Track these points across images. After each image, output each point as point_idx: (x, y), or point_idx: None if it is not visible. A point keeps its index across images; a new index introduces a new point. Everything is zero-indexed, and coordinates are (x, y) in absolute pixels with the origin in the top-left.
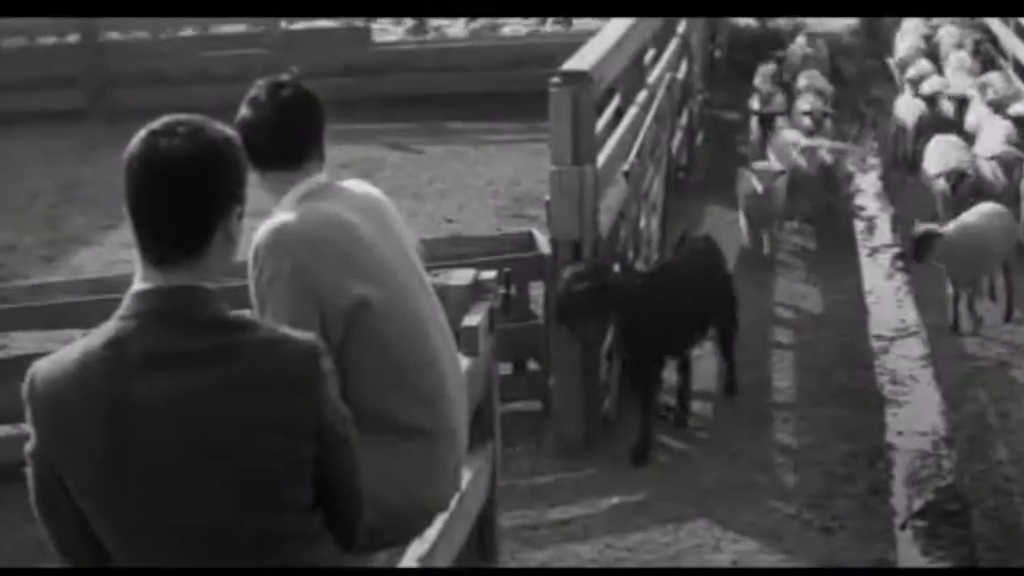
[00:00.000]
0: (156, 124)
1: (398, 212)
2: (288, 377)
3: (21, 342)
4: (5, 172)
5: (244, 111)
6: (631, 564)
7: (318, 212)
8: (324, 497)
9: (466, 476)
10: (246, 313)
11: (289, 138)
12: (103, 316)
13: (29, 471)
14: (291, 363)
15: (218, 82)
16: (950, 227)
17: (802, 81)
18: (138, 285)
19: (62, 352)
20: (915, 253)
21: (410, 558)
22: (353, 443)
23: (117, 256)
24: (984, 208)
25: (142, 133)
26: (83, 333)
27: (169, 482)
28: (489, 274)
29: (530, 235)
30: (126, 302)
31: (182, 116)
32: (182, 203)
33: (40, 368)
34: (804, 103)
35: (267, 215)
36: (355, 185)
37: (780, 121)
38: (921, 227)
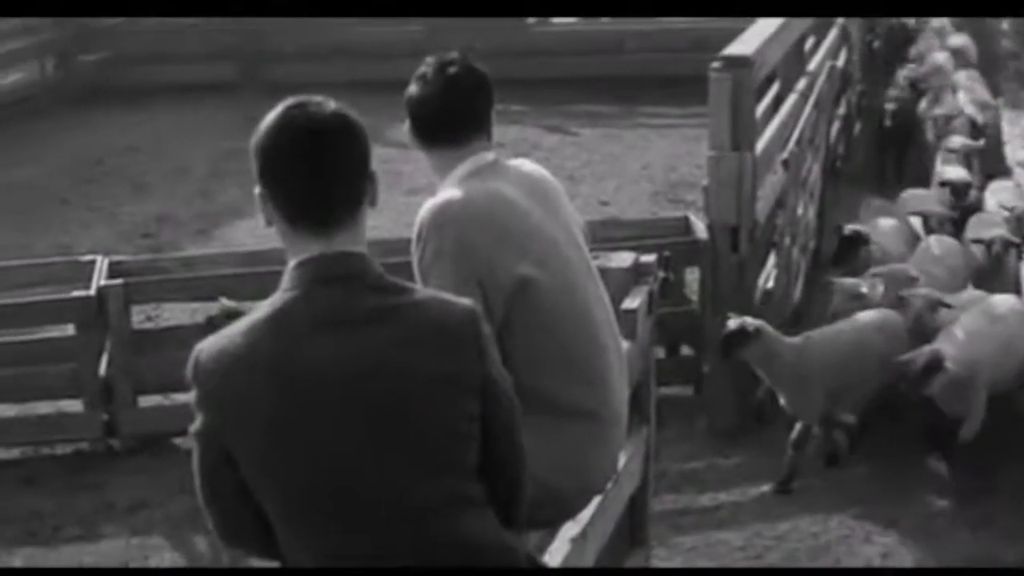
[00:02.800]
0: (290, 101)
1: (564, 193)
2: (452, 334)
3: (173, 313)
4: (160, 144)
5: (412, 87)
6: (778, 553)
7: (483, 190)
8: (488, 465)
9: (621, 459)
10: None
11: (454, 115)
12: (256, 288)
13: (194, 452)
14: (453, 321)
15: (370, 59)
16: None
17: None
18: (298, 256)
19: (227, 329)
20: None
21: (562, 539)
22: (517, 409)
23: (271, 230)
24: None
25: (283, 107)
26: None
27: (338, 445)
28: (648, 257)
29: (686, 220)
30: (287, 275)
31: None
32: (343, 165)
33: (204, 346)
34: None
35: (415, 193)
36: (522, 164)
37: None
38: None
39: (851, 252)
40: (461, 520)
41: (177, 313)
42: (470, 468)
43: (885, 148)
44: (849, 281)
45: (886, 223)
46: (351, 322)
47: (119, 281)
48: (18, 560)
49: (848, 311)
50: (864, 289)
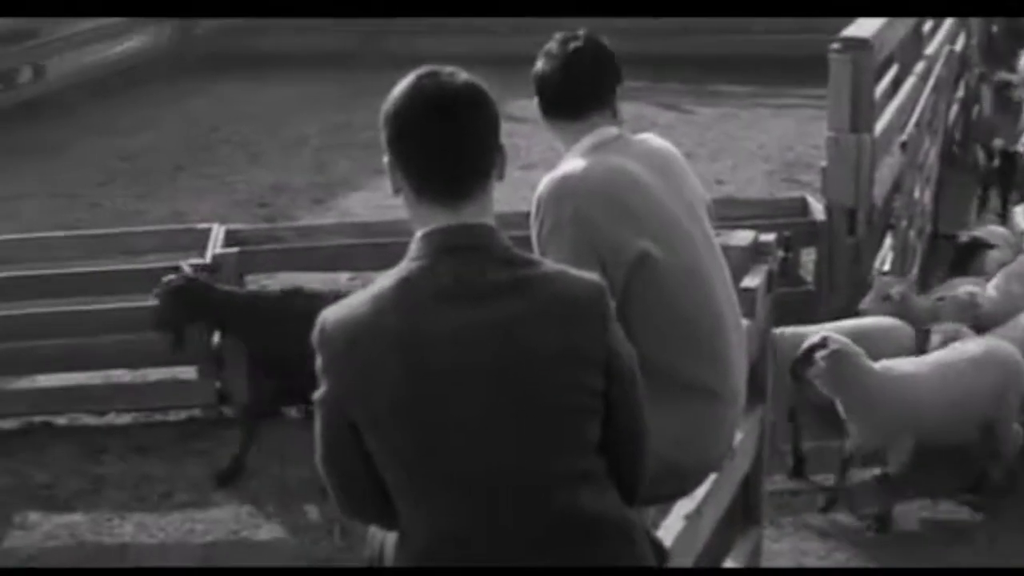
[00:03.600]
0: (422, 70)
1: (690, 169)
2: (578, 308)
3: (285, 282)
4: (275, 114)
5: (539, 63)
6: (888, 535)
7: (604, 164)
8: (610, 439)
9: (736, 437)
10: None
11: (576, 90)
12: (372, 259)
13: (316, 419)
14: (580, 295)
15: (490, 34)
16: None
17: None
18: (426, 227)
19: (352, 297)
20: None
21: (676, 516)
22: (640, 385)
23: (386, 201)
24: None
25: (414, 76)
26: (350, 276)
27: (462, 416)
28: (768, 237)
29: (804, 201)
30: (414, 245)
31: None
32: (474, 136)
33: (330, 313)
34: None
35: (531, 167)
36: (648, 139)
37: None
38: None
39: (970, 258)
40: (582, 495)
41: (292, 282)
42: (592, 443)
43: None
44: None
45: (997, 230)
46: (477, 294)
47: (234, 249)
48: (129, 525)
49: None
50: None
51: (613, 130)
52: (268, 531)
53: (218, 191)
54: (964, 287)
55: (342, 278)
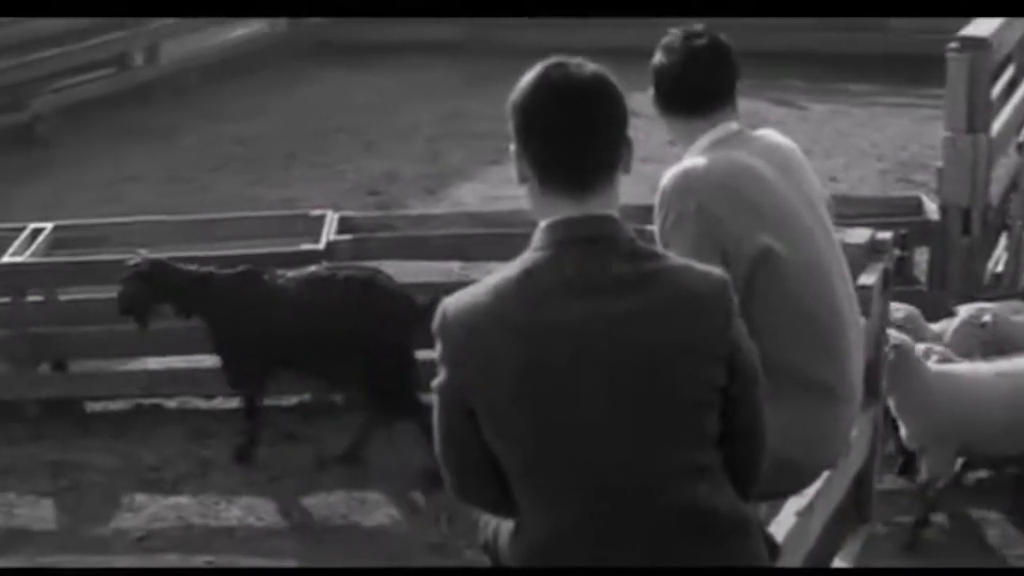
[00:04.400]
0: (550, 61)
1: (809, 165)
2: (702, 302)
3: (397, 270)
4: (387, 102)
5: (658, 57)
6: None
7: (727, 159)
8: (728, 434)
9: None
10: None
11: (696, 86)
12: (483, 249)
13: (435, 406)
14: (705, 290)
15: (599, 28)
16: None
17: None
18: (550, 217)
19: (474, 286)
20: None
21: (788, 512)
22: (761, 381)
23: (498, 192)
24: None
25: (542, 67)
26: (461, 266)
27: (580, 407)
28: (885, 235)
29: (919, 200)
30: (538, 235)
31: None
32: (601, 127)
33: (451, 302)
34: None
35: (648, 161)
36: (768, 135)
37: None
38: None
39: None
40: (698, 489)
41: (404, 271)
42: (711, 438)
43: None
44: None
45: None
46: (601, 286)
47: (348, 236)
48: (236, 509)
49: None
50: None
51: (733, 125)
52: (376, 517)
53: (330, 179)
54: None
55: (454, 267)
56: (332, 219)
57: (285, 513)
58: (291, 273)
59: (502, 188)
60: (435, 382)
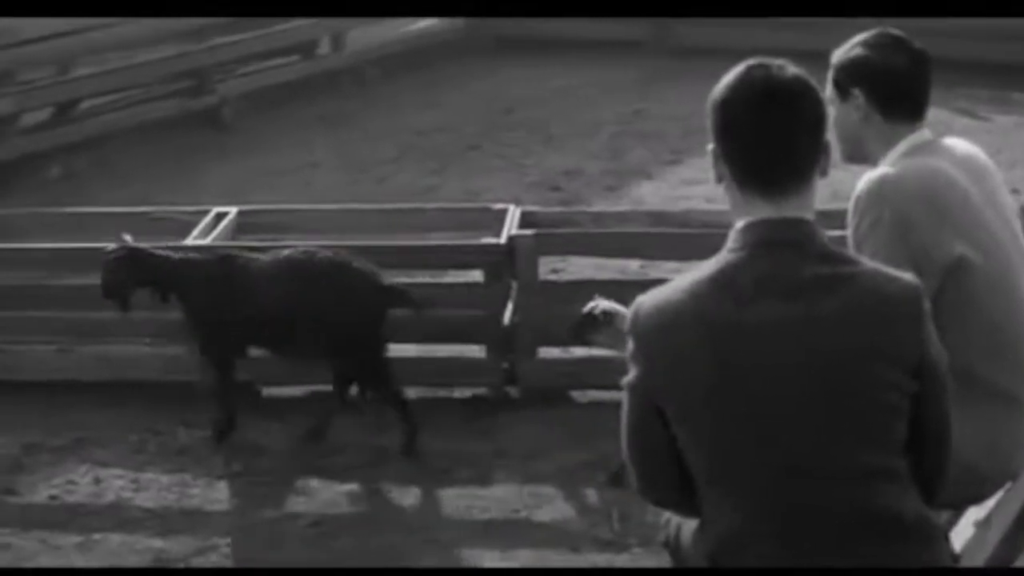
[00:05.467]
0: (752, 61)
1: (999, 175)
2: (895, 308)
3: (578, 267)
4: (569, 98)
5: (867, 53)
6: None
7: (923, 166)
8: (915, 440)
9: None
10: None
11: (920, 91)
12: (664, 248)
13: (624, 403)
14: (899, 296)
15: (787, 28)
16: None
17: None
18: (746, 218)
19: (668, 284)
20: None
21: (967, 522)
22: (950, 389)
23: (678, 192)
24: None
25: (744, 67)
26: (641, 264)
27: (771, 409)
28: None
29: None
30: (733, 235)
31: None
32: (802, 130)
33: (645, 300)
34: None
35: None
36: (959, 144)
37: None
38: None
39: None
40: (887, 493)
41: (583, 268)
42: (899, 442)
43: None
44: None
45: None
46: (795, 288)
47: (530, 231)
48: (410, 498)
49: None
50: None
51: (927, 133)
52: (547, 512)
53: (511, 172)
54: None
55: (633, 265)
56: (514, 213)
57: (456, 505)
58: (266, 256)
59: (682, 188)
60: (625, 379)
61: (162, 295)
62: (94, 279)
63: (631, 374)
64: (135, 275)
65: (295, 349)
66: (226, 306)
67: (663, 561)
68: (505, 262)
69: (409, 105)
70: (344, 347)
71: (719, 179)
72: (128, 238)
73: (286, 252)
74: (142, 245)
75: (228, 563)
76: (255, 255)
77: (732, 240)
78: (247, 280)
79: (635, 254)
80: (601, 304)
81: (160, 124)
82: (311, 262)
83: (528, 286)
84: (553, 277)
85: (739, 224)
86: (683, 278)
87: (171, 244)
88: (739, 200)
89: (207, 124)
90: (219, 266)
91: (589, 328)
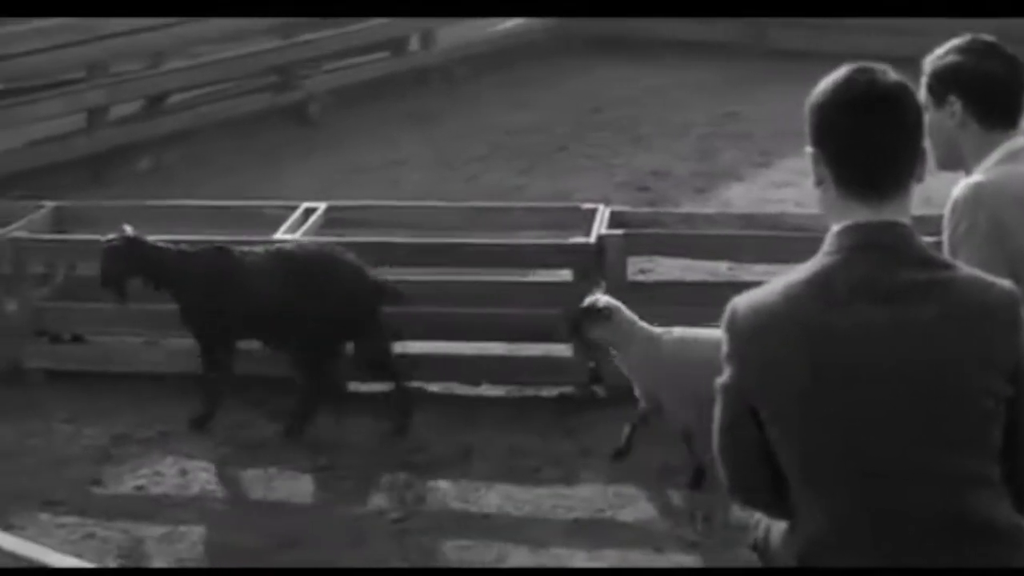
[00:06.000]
0: (854, 65)
1: None
2: (992, 314)
3: (666, 268)
4: (659, 99)
5: (963, 60)
6: None
7: (1019, 173)
8: (1009, 447)
9: None
10: None
11: (1016, 98)
12: (753, 251)
13: (718, 403)
14: (996, 302)
15: (879, 33)
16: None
17: None
18: (843, 222)
19: (764, 286)
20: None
21: None
22: None
23: (767, 194)
24: None
25: (846, 70)
26: (729, 266)
27: (867, 411)
28: None
29: None
30: (829, 239)
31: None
32: (903, 135)
33: (741, 301)
34: None
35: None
36: None
37: None
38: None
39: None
40: (980, 498)
41: (671, 269)
42: (994, 448)
43: None
44: None
45: None
46: (891, 292)
47: (619, 231)
48: (495, 496)
49: None
50: None
51: (1022, 140)
52: (632, 512)
53: (599, 172)
54: None
55: (721, 268)
56: (604, 213)
57: (542, 504)
58: (258, 249)
59: (771, 191)
60: (720, 380)
61: (155, 285)
62: None
63: (725, 375)
64: (131, 265)
65: (285, 341)
66: (218, 298)
67: (747, 563)
68: (594, 262)
69: (498, 104)
70: (332, 339)
71: (819, 182)
72: (128, 228)
73: (277, 246)
74: (139, 235)
75: (310, 558)
76: (249, 249)
77: (828, 243)
78: (240, 273)
79: (724, 256)
80: (602, 299)
81: (248, 119)
82: (300, 256)
83: (616, 286)
84: (641, 278)
85: (836, 227)
86: (779, 280)
87: (260, 239)
88: (837, 203)
89: (295, 120)
90: (212, 259)
91: (588, 322)
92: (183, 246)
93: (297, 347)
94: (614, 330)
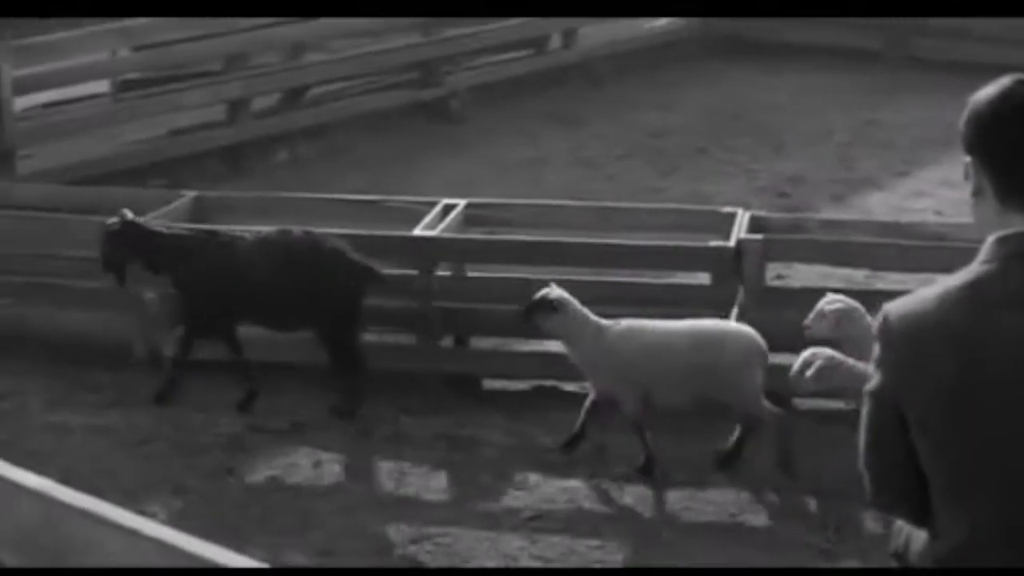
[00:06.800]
0: (1015, 76)
1: None
2: None
3: (803, 274)
4: (800, 104)
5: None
6: None
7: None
8: None
9: None
10: None
11: None
12: (893, 260)
13: (864, 410)
14: None
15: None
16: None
17: None
18: (1001, 231)
19: (917, 292)
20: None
21: None
22: None
23: (906, 203)
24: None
25: (1009, 80)
26: (866, 274)
27: (1017, 419)
28: None
29: None
30: (987, 248)
31: None
32: None
33: (894, 307)
34: None
35: None
36: None
37: None
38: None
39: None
40: None
41: (808, 275)
42: None
43: None
44: None
45: None
46: None
47: (759, 236)
48: (628, 497)
49: None
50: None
51: None
52: (764, 518)
53: (738, 177)
54: None
55: (858, 275)
56: (743, 217)
57: (675, 506)
58: (249, 236)
59: (911, 200)
60: (869, 386)
61: (155, 269)
62: None
63: (875, 380)
64: (130, 248)
65: (276, 323)
66: (209, 281)
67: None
68: (732, 265)
69: (639, 105)
70: (318, 320)
71: (976, 191)
72: (128, 213)
73: (265, 232)
74: (139, 220)
75: (441, 553)
76: (240, 234)
77: (985, 252)
78: (230, 258)
79: (863, 264)
80: (553, 292)
81: (387, 114)
82: (288, 241)
83: (754, 290)
84: (778, 283)
85: (993, 237)
86: (932, 288)
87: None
88: (995, 213)
89: (435, 116)
90: (205, 244)
91: (539, 314)
92: (179, 231)
93: (286, 328)
94: (564, 322)
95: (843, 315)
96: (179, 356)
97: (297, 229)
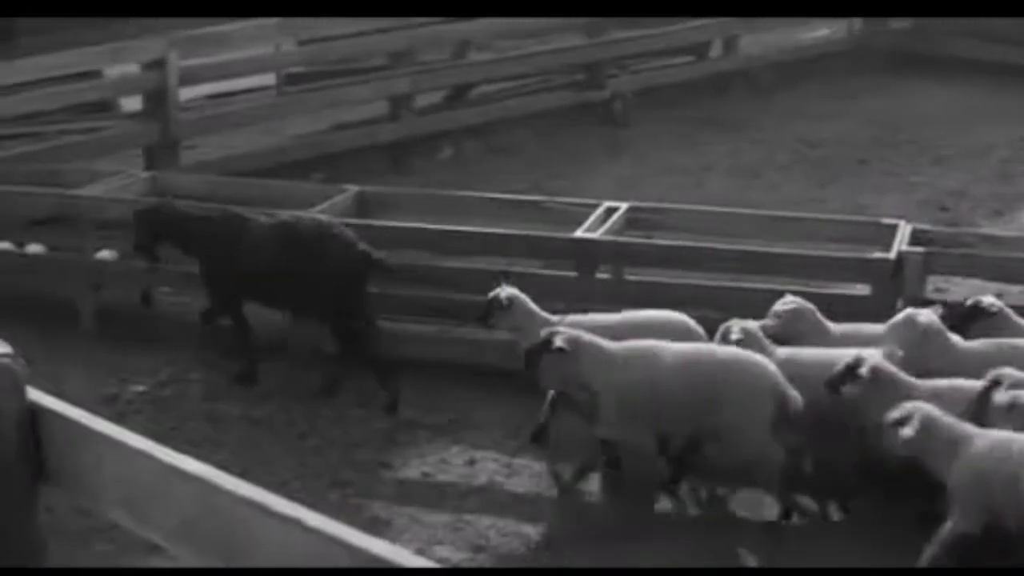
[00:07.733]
0: None
1: None
2: None
3: (961, 287)
4: (962, 118)
5: None
6: None
7: None
8: None
9: None
10: None
11: None
12: None
13: None
14: None
15: None
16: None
17: None
18: None
19: None
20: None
21: None
22: None
23: None
24: None
25: None
26: (1021, 290)
27: None
28: None
29: None
30: None
31: None
32: None
33: None
34: None
35: None
36: None
37: None
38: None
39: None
40: None
41: (965, 288)
42: None
43: None
44: None
45: None
46: None
47: (920, 249)
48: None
49: None
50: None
51: None
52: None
53: (899, 189)
54: None
55: (1013, 291)
56: (905, 229)
57: (747, 508)
58: (264, 219)
59: None
60: None
61: (183, 249)
62: (478, 263)
63: None
64: (158, 229)
65: (283, 305)
66: (227, 260)
67: None
68: (892, 277)
69: (800, 114)
70: (324, 305)
71: None
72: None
73: (279, 217)
74: (167, 201)
75: (592, 555)
76: (256, 217)
77: None
78: (246, 239)
79: (1020, 279)
80: (504, 291)
81: (550, 114)
82: (297, 226)
83: (913, 303)
84: (937, 296)
85: None
86: None
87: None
88: None
89: (598, 118)
90: (225, 225)
91: (491, 312)
92: (205, 212)
93: (294, 311)
94: (515, 319)
95: (795, 314)
96: (240, 334)
97: (308, 216)
